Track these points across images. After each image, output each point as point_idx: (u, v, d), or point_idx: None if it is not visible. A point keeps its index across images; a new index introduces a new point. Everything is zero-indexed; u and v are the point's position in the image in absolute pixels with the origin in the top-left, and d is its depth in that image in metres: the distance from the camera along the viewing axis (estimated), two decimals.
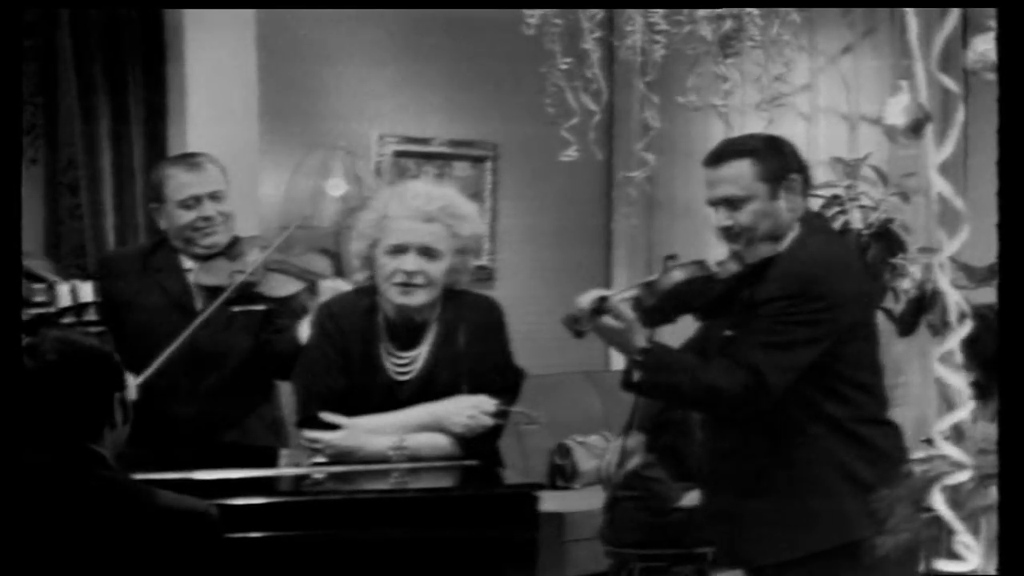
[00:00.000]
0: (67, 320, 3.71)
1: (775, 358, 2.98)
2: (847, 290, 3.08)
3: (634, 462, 3.29)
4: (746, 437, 3.11)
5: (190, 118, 5.09)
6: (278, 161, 5.61)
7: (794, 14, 3.98)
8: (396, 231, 3.19)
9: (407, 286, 3.19)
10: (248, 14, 5.26)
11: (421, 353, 3.26)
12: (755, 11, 3.96)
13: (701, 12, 3.97)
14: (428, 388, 3.23)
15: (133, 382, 3.54)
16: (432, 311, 3.27)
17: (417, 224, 3.18)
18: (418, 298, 3.21)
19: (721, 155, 3.13)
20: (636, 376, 3.07)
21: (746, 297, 3.07)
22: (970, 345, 1.99)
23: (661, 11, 4.00)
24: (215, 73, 5.17)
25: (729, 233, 3.12)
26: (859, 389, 3.11)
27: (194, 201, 3.76)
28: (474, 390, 3.21)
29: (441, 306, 3.28)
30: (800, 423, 3.06)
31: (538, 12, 4.02)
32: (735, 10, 3.96)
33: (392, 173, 6.09)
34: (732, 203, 3.09)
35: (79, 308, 3.74)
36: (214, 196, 3.78)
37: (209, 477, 3.03)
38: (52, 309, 3.71)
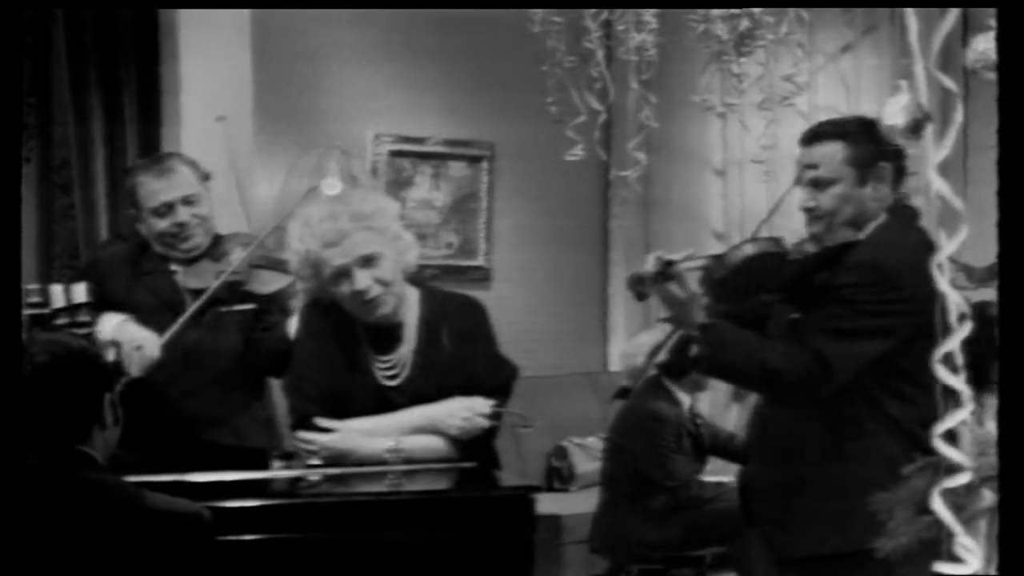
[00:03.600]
0: (61, 321, 3.70)
1: (841, 345, 2.93)
2: (925, 285, 3.02)
3: (661, 357, 3.25)
4: (803, 428, 3.07)
5: (184, 118, 5.08)
6: (273, 161, 5.60)
7: (804, 12, 3.96)
8: (326, 261, 3.13)
9: (370, 302, 3.16)
10: (243, 14, 5.25)
11: (405, 356, 3.24)
12: (764, 10, 3.94)
13: (716, 11, 3.95)
14: (421, 392, 3.21)
15: (158, 342, 3.56)
16: (403, 307, 3.24)
17: (340, 246, 3.12)
18: (387, 306, 3.18)
19: (816, 135, 3.10)
20: (695, 351, 3.03)
21: (820, 281, 3.02)
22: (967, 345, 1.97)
23: (652, 10, 3.98)
24: (209, 73, 5.15)
25: (811, 214, 3.07)
26: (923, 391, 3.05)
27: (166, 208, 3.73)
28: (466, 391, 3.19)
29: (420, 307, 3.27)
30: (859, 418, 3.01)
31: (540, 10, 4.00)
32: (751, 8, 3.93)
33: (388, 173, 6.08)
34: (817, 184, 3.05)
35: (72, 309, 3.72)
36: (187, 200, 3.74)
37: (203, 479, 3.01)
38: (46, 310, 3.70)
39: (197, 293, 3.69)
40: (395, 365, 3.24)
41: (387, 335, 3.24)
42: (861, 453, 3.01)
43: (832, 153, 3.04)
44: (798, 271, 3.04)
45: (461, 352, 3.23)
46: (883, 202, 3.06)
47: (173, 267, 3.79)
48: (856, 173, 3.03)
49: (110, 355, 3.54)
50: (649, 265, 3.01)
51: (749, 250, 3.04)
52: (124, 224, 4.80)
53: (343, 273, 3.13)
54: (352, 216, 3.15)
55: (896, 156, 3.08)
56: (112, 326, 3.61)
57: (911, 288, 2.94)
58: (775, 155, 5.63)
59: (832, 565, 3.04)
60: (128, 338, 3.57)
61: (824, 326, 2.96)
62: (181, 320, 3.61)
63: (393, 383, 3.23)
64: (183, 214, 3.73)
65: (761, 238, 3.09)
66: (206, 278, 3.70)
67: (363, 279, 3.13)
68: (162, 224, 3.74)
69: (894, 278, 2.95)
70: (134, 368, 3.55)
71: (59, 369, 2.40)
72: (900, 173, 3.10)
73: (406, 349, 3.24)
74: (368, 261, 3.13)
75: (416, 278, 3.33)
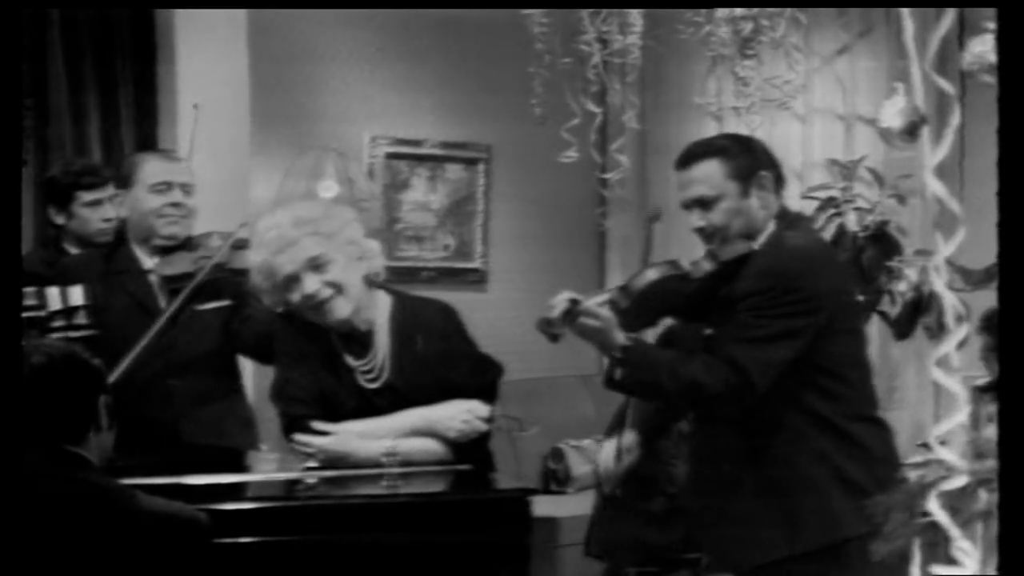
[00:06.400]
0: (57, 324, 3.70)
1: (755, 353, 2.97)
2: (823, 282, 3.07)
3: (630, 459, 3.30)
4: (731, 436, 3.09)
5: (181, 119, 5.07)
6: (269, 162, 5.59)
7: (800, 15, 3.95)
8: (277, 268, 3.18)
9: (321, 305, 3.18)
10: (239, 15, 5.25)
11: (381, 361, 3.25)
12: (764, 14, 3.93)
13: (719, 13, 3.94)
14: (403, 394, 3.22)
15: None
16: (373, 313, 3.26)
17: (287, 254, 3.16)
18: (339, 310, 3.19)
19: (690, 156, 3.14)
20: (618, 374, 3.06)
21: (724, 295, 3.06)
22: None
23: (638, 12, 3.98)
24: (206, 74, 5.15)
25: (704, 234, 3.13)
26: (845, 385, 3.09)
27: (166, 187, 3.85)
28: (450, 392, 3.21)
29: (391, 312, 3.29)
30: (784, 419, 3.04)
31: (539, 14, 4.00)
32: (753, 12, 3.93)
33: (384, 175, 6.07)
34: (704, 203, 3.10)
35: (69, 312, 3.73)
36: (185, 187, 3.89)
37: (201, 482, 3.01)
38: (42, 313, 3.70)
39: (173, 280, 3.76)
40: (372, 369, 3.25)
41: (359, 341, 3.26)
42: (794, 454, 3.03)
43: (710, 170, 3.08)
44: (701, 289, 3.09)
45: (437, 354, 3.25)
46: (771, 210, 3.11)
47: (147, 265, 3.83)
48: (738, 186, 3.08)
49: None
50: (556, 306, 3.04)
51: (651, 275, 3.10)
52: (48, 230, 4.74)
53: (293, 279, 3.16)
54: (296, 223, 3.19)
55: (773, 164, 3.14)
56: None
57: (809, 287, 3.01)
58: None
59: (786, 569, 3.05)
60: None
61: (735, 337, 2.99)
62: (131, 355, 3.61)
63: (374, 386, 3.24)
64: (179, 195, 3.86)
65: (660, 262, 3.14)
66: (184, 264, 3.79)
67: (311, 283, 3.15)
68: (157, 200, 3.84)
69: (790, 280, 3.01)
70: None
71: (53, 372, 2.40)
72: (780, 180, 3.14)
73: (381, 354, 3.26)
74: (316, 265, 3.16)
75: (387, 285, 3.36)
